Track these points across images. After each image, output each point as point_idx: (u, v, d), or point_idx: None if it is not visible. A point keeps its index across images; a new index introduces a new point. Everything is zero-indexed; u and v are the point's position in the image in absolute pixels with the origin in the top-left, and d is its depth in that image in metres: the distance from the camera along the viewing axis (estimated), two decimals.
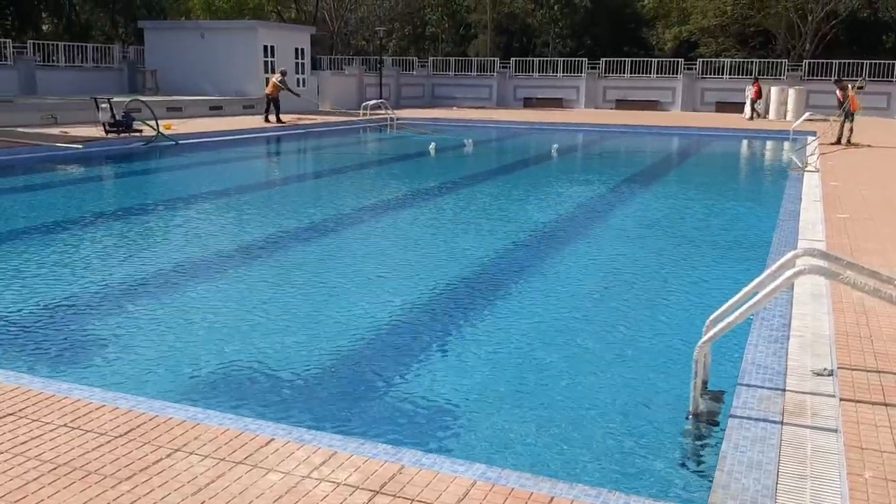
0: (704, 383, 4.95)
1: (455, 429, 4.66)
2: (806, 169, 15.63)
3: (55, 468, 3.48)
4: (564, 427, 4.68)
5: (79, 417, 4.02)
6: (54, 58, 30.98)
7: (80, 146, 17.71)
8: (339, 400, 5.06)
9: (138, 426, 3.92)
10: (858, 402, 4.34)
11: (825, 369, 5.06)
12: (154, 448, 3.68)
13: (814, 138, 22.19)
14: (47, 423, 3.94)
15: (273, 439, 3.79)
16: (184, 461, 3.54)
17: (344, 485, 3.36)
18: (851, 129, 21.04)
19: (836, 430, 4.23)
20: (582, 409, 4.97)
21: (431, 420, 4.76)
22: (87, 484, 3.34)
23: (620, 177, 17.11)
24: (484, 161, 21.16)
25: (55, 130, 20.13)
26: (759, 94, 32.57)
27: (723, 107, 36.83)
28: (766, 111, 33.55)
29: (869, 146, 20.28)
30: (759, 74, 37.12)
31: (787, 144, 22.38)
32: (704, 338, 4.52)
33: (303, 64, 34.47)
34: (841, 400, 4.37)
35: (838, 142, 20.83)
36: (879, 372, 4.78)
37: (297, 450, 3.69)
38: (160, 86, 32.41)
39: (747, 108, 32.62)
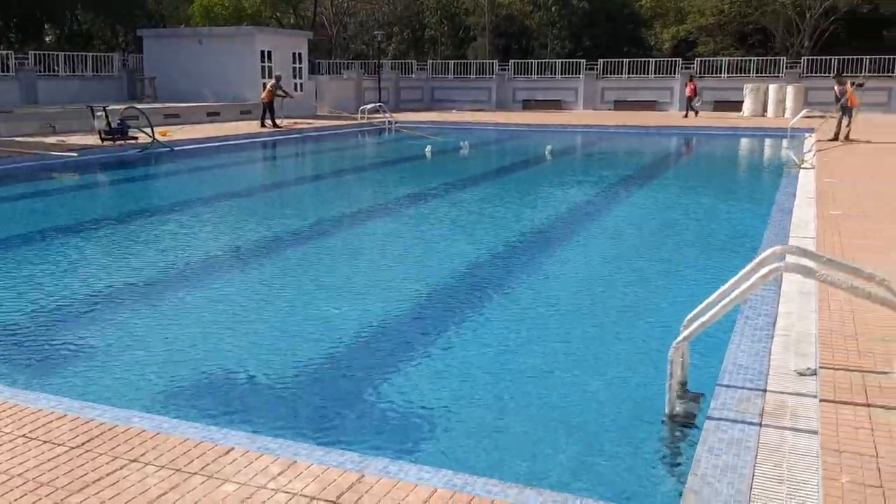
0: (683, 384, 4.85)
1: (425, 434, 4.57)
2: (802, 166, 15.51)
3: (7, 480, 3.39)
4: (536, 430, 4.58)
5: (38, 428, 3.93)
6: (55, 67, 30.99)
7: (76, 154, 17.66)
8: (316, 407, 4.97)
9: (97, 436, 3.83)
10: (839, 402, 4.24)
11: (808, 369, 4.95)
12: (110, 459, 3.59)
13: (811, 135, 22.08)
14: (5, 434, 3.86)
15: (233, 448, 3.70)
16: (138, 472, 3.45)
17: (300, 495, 3.26)
18: (850, 126, 20.90)
19: (815, 433, 4.12)
20: (555, 411, 4.87)
21: (406, 426, 4.66)
22: (38, 496, 3.26)
23: (615, 177, 17.01)
24: (479, 163, 21.05)
25: (53, 139, 20.10)
26: (694, 93, 32.55)
27: (721, 105, 36.67)
28: (693, 110, 33.07)
29: (868, 142, 20.14)
30: (757, 72, 37.13)
31: (784, 142, 22.25)
32: (680, 337, 4.42)
33: (300, 68, 34.43)
34: (821, 401, 4.27)
35: (836, 138, 20.69)
36: (862, 371, 4.67)
37: (257, 459, 3.60)
38: (159, 93, 32.40)
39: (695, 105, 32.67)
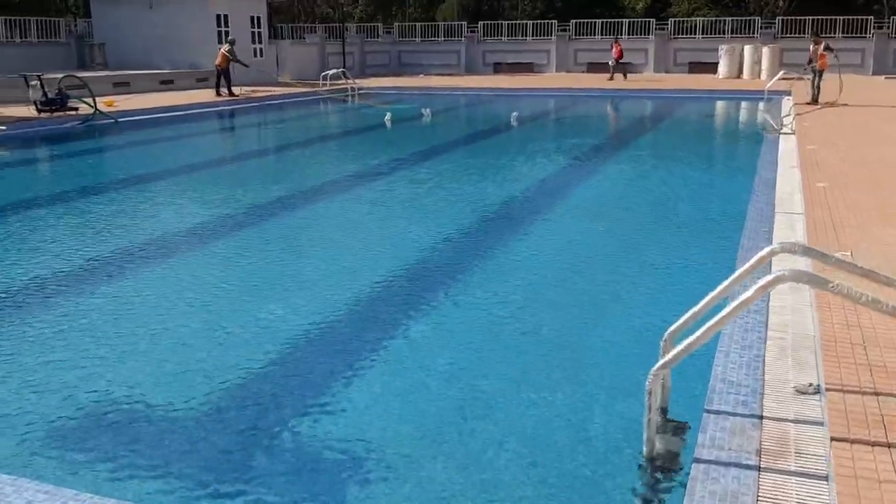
0: (664, 410, 4.02)
1: (359, 480, 3.70)
2: (781, 131, 14.73)
3: None
4: (479, 480, 3.72)
5: None
6: None
7: (5, 128, 16.40)
8: (233, 446, 4.08)
9: None
10: (854, 442, 3.42)
11: (810, 385, 4.15)
12: None
13: (788, 98, 21.30)
14: None
15: None
16: None
17: None
18: (819, 88, 20.17)
19: (825, 478, 3.32)
20: (504, 452, 4.00)
21: (340, 469, 3.79)
22: None
23: (584, 147, 16.10)
24: (439, 133, 19.88)
25: None
26: (620, 55, 31.72)
27: (696, 67, 35.85)
28: (624, 73, 32.38)
29: (845, 105, 19.39)
30: (732, 33, 36.26)
31: (761, 105, 21.40)
32: (660, 363, 3.57)
33: (259, 33, 32.97)
34: (832, 440, 3.45)
35: (814, 101, 19.94)
36: (877, 394, 3.86)
37: None
38: (108, 60, 30.89)
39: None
